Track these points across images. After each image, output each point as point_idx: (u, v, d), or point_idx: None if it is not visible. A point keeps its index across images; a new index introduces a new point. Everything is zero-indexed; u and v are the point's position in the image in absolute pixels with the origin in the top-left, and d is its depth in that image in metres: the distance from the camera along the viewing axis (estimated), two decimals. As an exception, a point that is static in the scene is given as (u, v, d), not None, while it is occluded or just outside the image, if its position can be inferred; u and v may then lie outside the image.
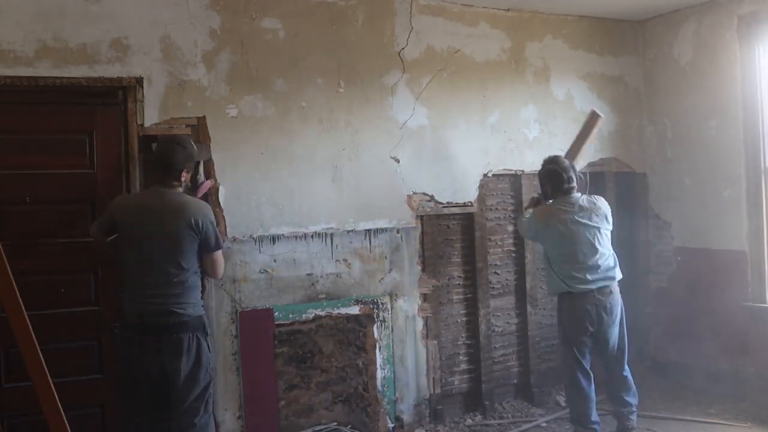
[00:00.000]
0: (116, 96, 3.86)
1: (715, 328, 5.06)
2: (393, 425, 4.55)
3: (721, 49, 5.05)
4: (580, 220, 4.16)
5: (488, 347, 4.95)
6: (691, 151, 5.30)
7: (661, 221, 5.54)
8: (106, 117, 3.85)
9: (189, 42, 3.99)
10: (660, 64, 5.51)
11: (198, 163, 3.76)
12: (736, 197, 4.99)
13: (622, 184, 5.58)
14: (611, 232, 4.31)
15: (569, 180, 4.24)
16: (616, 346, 4.24)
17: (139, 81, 3.85)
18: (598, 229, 4.19)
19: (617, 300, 4.22)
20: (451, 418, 4.78)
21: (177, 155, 3.39)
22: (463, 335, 4.92)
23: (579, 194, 4.27)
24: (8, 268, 2.82)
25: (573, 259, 4.14)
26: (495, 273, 5.05)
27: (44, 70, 3.63)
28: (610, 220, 4.29)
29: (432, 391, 4.73)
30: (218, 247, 3.48)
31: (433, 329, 4.76)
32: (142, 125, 3.86)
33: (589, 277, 4.12)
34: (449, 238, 4.88)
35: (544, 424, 4.72)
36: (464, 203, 4.87)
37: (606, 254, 4.19)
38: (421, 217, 4.70)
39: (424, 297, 4.72)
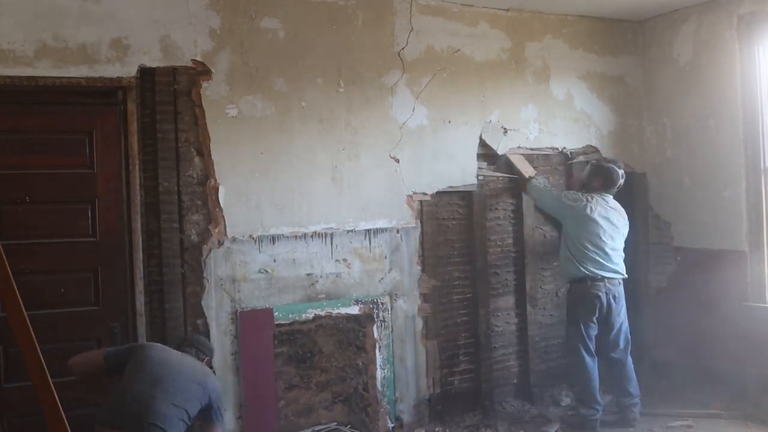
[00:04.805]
0: (116, 96, 3.87)
1: (714, 328, 5.05)
2: (393, 425, 4.55)
3: (720, 49, 5.04)
4: (610, 216, 4.66)
5: (488, 347, 4.95)
6: (690, 151, 5.30)
7: (661, 221, 5.53)
8: (106, 117, 3.86)
9: (189, 42, 3.99)
10: (660, 64, 5.50)
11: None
12: (735, 197, 4.98)
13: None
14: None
15: (619, 186, 4.78)
16: (622, 334, 4.68)
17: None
18: (619, 229, 4.71)
19: (622, 292, 4.70)
20: (451, 418, 4.77)
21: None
22: (463, 335, 4.91)
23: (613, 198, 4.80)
24: (8, 268, 2.82)
25: (594, 244, 4.58)
26: (495, 273, 5.04)
27: (44, 70, 3.63)
28: (627, 224, 4.82)
29: (432, 391, 4.73)
30: None
31: (433, 329, 4.75)
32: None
33: (605, 263, 4.59)
34: (449, 238, 4.87)
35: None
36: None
37: (620, 252, 4.72)
38: (421, 217, 4.70)
39: (424, 297, 4.72)
